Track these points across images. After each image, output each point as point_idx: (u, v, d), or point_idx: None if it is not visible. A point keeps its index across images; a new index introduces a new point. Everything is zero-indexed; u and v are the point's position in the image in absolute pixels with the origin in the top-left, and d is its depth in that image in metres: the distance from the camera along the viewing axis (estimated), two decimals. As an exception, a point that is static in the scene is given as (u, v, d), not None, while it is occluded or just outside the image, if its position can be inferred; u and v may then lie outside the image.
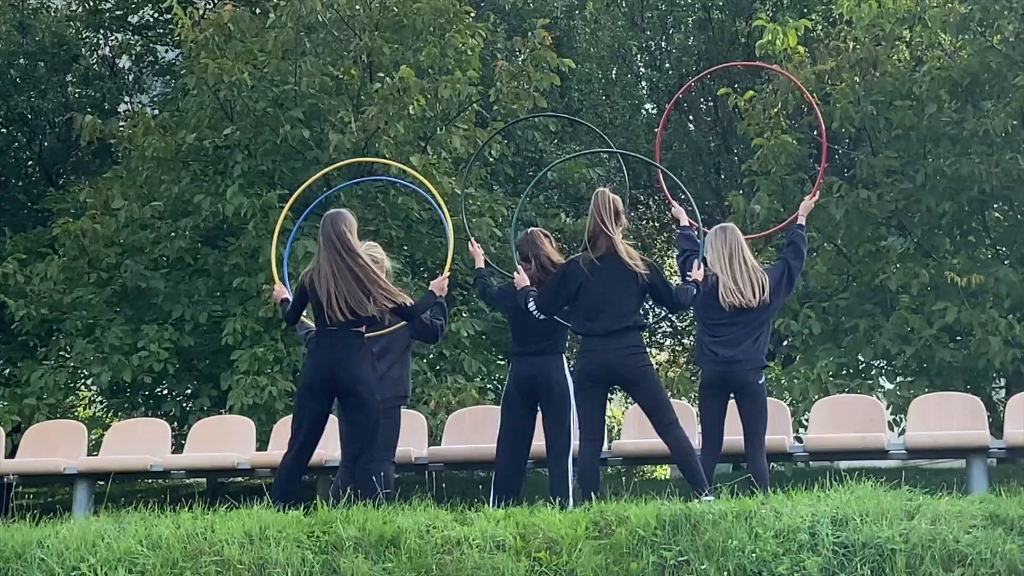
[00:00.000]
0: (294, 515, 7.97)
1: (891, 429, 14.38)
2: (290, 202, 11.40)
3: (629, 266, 9.43)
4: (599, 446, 9.60)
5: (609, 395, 10.54)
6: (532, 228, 10.61)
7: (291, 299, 9.81)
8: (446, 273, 10.14)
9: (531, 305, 9.62)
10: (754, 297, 10.01)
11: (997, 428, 13.02)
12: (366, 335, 9.50)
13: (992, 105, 15.20)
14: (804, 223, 10.70)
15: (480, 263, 10.61)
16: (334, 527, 7.67)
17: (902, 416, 14.00)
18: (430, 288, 9.92)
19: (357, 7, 17.08)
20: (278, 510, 8.26)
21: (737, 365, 9.97)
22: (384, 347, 10.09)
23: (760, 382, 10.06)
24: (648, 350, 10.00)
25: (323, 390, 9.27)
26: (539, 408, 10.06)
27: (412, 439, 12.56)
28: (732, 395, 10.16)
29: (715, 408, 10.13)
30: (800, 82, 15.56)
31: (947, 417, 12.14)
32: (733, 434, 10.20)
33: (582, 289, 9.54)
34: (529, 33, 17.57)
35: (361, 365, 9.28)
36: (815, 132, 16.89)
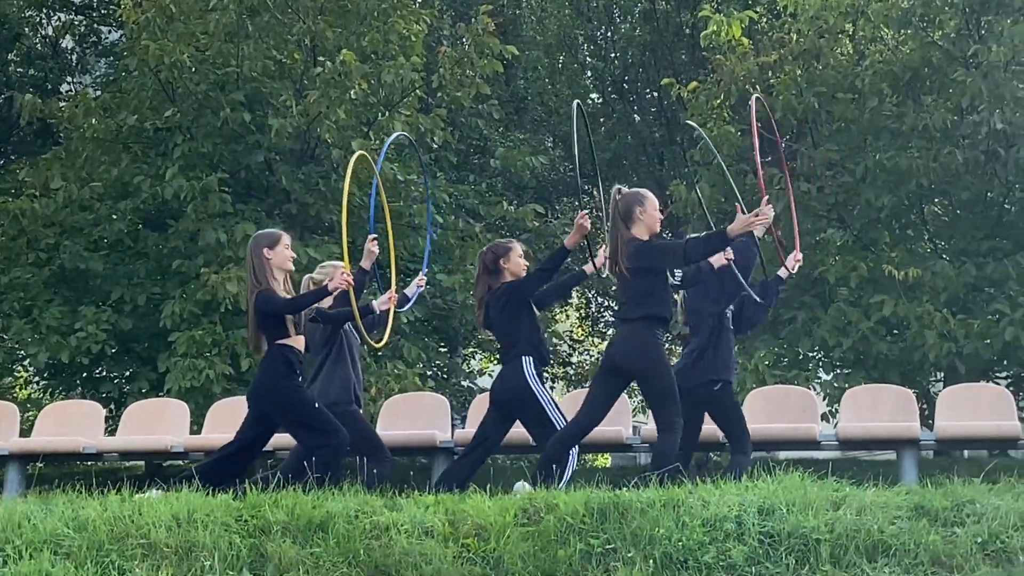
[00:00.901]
0: (222, 499, 7.94)
1: (828, 420, 14.48)
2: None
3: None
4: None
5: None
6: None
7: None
8: (392, 292, 10.44)
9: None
10: None
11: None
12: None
13: (932, 100, 15.28)
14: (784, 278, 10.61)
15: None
16: (262, 511, 7.64)
17: (836, 407, 14.08)
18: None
19: (302, -10, 17.02)
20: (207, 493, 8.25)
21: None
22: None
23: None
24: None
25: None
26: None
27: (436, 422, 12.66)
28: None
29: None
30: (743, 74, 15.67)
31: (880, 409, 12.21)
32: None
33: None
34: (473, 20, 17.56)
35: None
36: (758, 125, 16.96)
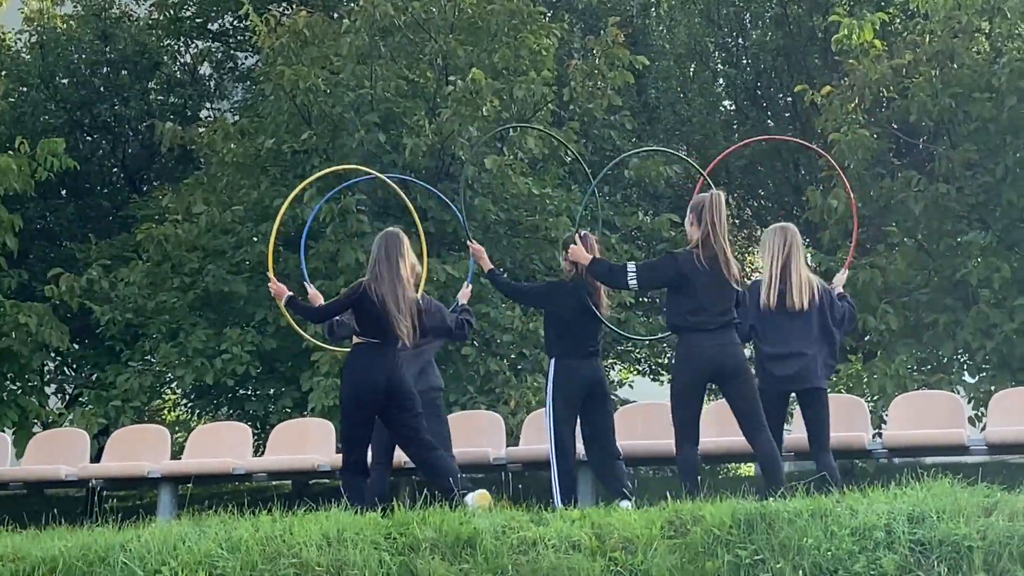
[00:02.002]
0: (371, 517, 8.03)
1: (973, 424, 14.26)
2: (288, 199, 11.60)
3: (727, 278, 9.42)
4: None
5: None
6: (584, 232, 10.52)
7: (320, 300, 10.31)
8: (469, 284, 10.71)
9: (631, 277, 9.60)
10: (806, 303, 9.76)
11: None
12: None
13: (1073, 96, 15.03)
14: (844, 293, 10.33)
15: (486, 264, 10.54)
16: (411, 528, 7.72)
17: (983, 411, 13.86)
18: (459, 300, 10.28)
19: (432, 9, 17.14)
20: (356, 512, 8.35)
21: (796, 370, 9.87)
22: None
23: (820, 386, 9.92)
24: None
25: (372, 402, 9.49)
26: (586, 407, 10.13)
27: (491, 440, 12.63)
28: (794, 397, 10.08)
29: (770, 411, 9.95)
30: (876, 77, 15.51)
31: (1029, 412, 12.02)
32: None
33: (684, 283, 9.54)
34: (602, 32, 17.58)
35: (405, 373, 9.67)
36: (893, 127, 16.81)
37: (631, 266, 9.69)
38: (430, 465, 9.48)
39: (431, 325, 9.98)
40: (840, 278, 10.48)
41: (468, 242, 10.76)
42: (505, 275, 10.96)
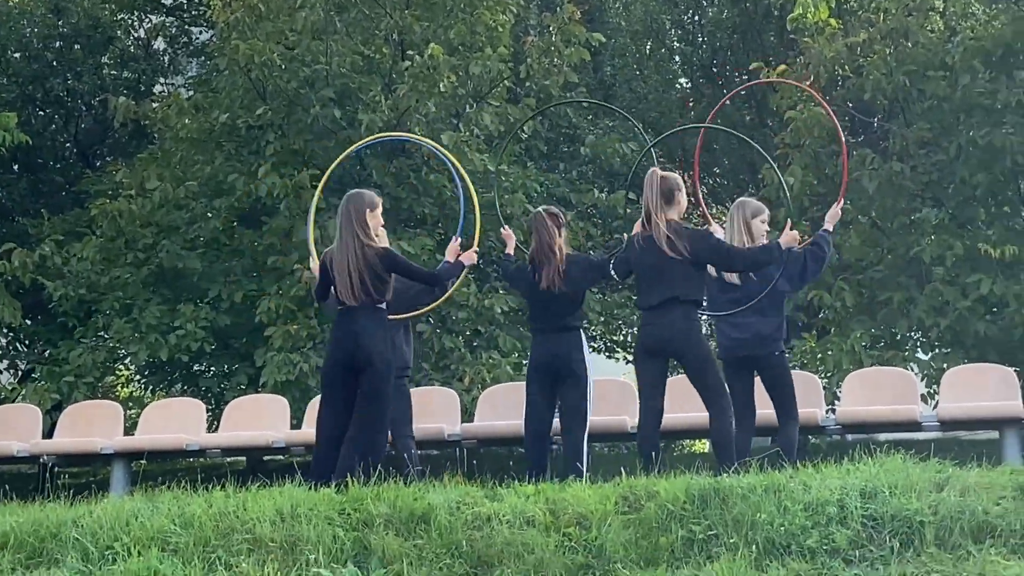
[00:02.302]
0: (325, 493, 8.03)
1: (926, 401, 14.36)
2: (322, 181, 11.49)
3: (665, 252, 9.46)
4: (657, 415, 9.65)
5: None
6: (541, 208, 10.55)
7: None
8: (475, 247, 10.49)
9: (611, 269, 9.92)
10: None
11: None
12: (406, 315, 9.77)
13: (1026, 75, 15.10)
14: (831, 230, 10.35)
15: (511, 249, 10.72)
16: (365, 504, 7.72)
17: (936, 388, 13.95)
18: (459, 259, 10.10)
19: (388, -16, 17.09)
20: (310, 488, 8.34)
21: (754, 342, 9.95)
22: None
23: (777, 354, 9.99)
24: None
25: (344, 366, 9.40)
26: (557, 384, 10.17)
27: (445, 416, 12.64)
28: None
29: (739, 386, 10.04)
30: (831, 55, 15.54)
31: (981, 389, 12.09)
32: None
33: (634, 263, 9.71)
34: (559, 8, 17.56)
35: (378, 340, 9.45)
36: (848, 105, 16.84)
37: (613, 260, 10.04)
38: (358, 442, 9.45)
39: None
40: (834, 212, 10.50)
41: (501, 228, 11.21)
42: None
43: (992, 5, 15.74)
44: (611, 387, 12.80)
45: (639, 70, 22.14)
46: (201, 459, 15.86)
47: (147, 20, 22.93)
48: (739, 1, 20.86)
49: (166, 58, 23.21)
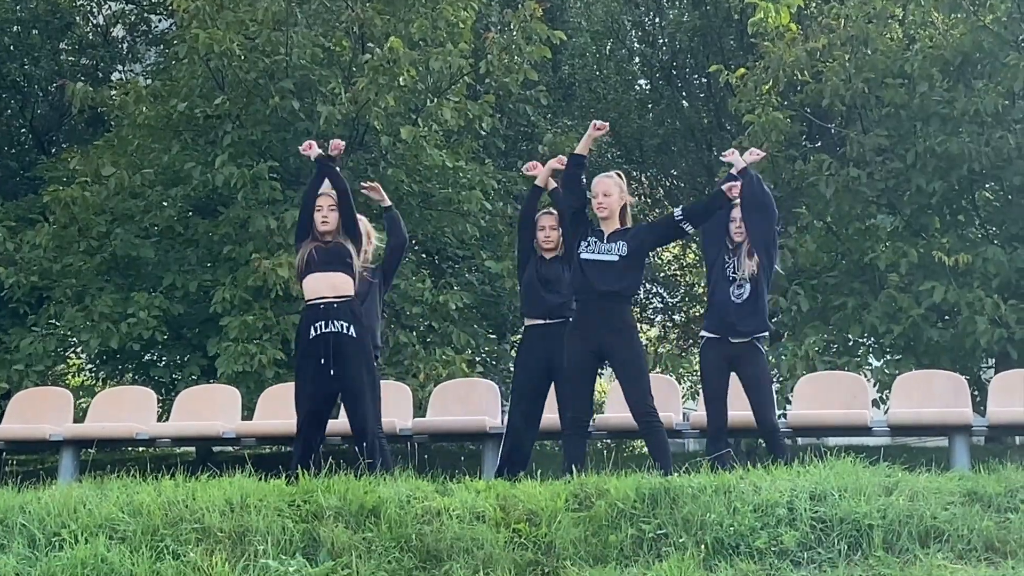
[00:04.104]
0: (275, 484, 8.00)
1: (878, 407, 14.43)
2: None
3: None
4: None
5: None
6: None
7: None
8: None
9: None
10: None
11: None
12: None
13: (983, 84, 15.17)
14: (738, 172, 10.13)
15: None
16: (315, 496, 7.70)
17: (888, 394, 14.02)
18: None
19: (350, -23, 17.04)
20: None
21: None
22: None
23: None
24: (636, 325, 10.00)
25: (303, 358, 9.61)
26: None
27: (397, 410, 12.59)
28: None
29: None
30: (791, 60, 15.60)
31: (931, 395, 12.15)
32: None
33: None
34: (520, 5, 17.56)
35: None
36: (807, 111, 16.91)
37: None
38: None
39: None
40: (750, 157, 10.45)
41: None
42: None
43: (951, 15, 15.81)
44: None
45: (599, 70, 22.21)
46: (151, 448, 15.76)
47: (106, 6, 22.77)
48: (700, 4, 20.94)
49: (125, 45, 23.07)
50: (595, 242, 9.74)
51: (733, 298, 10.00)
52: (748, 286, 9.99)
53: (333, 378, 9.55)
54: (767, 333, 10.33)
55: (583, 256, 9.70)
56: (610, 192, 9.86)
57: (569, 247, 10.00)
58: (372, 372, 9.85)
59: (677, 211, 10.05)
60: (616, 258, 9.66)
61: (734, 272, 10.06)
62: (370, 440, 9.52)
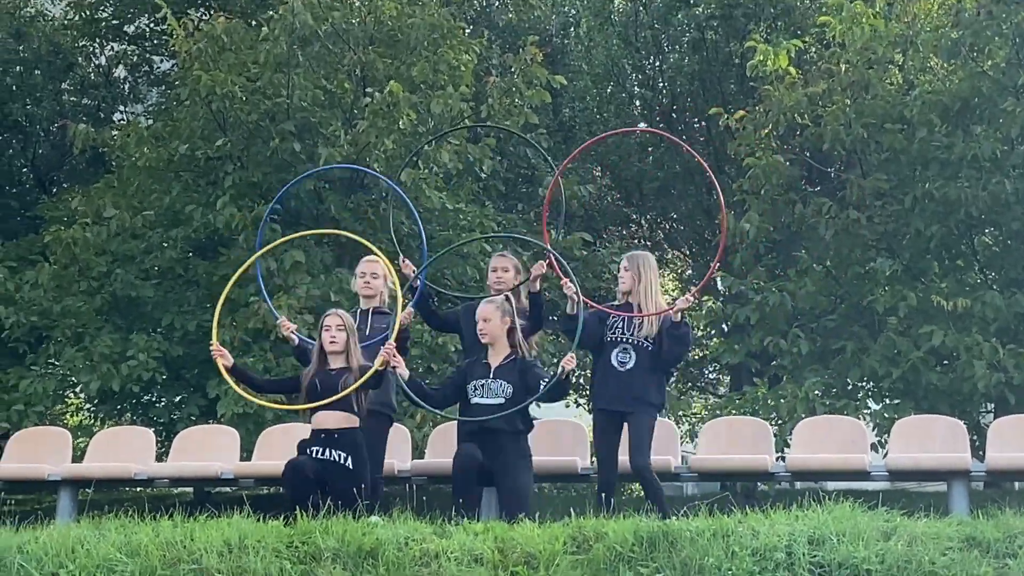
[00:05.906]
0: (273, 525, 8.00)
1: (877, 451, 14.40)
2: (236, 274, 11.67)
3: None
4: None
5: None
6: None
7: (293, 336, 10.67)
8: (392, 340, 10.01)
9: None
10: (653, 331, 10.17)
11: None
12: None
13: (982, 130, 15.22)
14: (678, 319, 10.32)
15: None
16: (313, 538, 7.70)
17: (886, 438, 14.00)
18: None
19: (352, 20, 17.07)
20: None
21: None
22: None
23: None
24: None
25: None
26: None
27: (396, 452, 12.57)
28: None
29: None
30: (791, 104, 15.64)
31: (930, 440, 12.12)
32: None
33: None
34: (521, 50, 17.63)
35: None
36: (806, 154, 16.96)
37: None
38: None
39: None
40: (685, 300, 10.61)
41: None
42: None
43: (950, 61, 15.88)
44: (564, 428, 12.80)
45: (599, 113, 22.23)
46: (149, 489, 15.72)
47: (108, 47, 22.86)
48: (700, 48, 21.00)
49: (127, 86, 23.14)
50: (482, 385, 9.90)
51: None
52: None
53: (322, 492, 9.59)
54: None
55: (472, 400, 9.93)
56: (489, 317, 9.90)
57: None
58: (361, 492, 9.80)
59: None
60: (503, 400, 9.79)
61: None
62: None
